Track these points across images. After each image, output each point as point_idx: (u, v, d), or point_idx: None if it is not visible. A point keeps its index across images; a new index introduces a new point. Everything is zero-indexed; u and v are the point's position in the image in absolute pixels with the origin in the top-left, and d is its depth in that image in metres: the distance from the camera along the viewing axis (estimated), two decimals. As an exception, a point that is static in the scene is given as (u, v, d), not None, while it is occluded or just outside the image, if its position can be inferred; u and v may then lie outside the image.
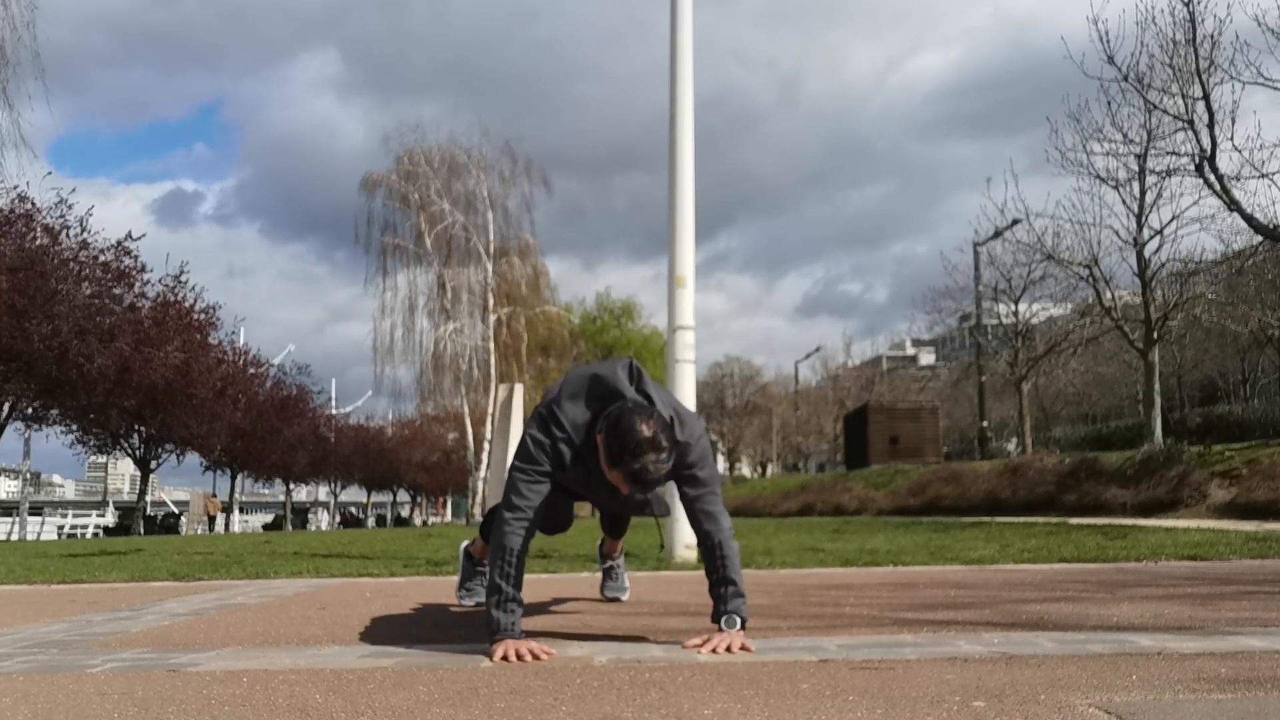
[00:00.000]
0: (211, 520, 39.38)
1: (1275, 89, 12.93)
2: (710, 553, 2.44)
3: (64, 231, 19.16)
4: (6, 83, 12.75)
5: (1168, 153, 14.79)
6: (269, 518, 55.10)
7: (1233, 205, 13.63)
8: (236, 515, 41.16)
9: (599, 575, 3.77)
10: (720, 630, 2.36)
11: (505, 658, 2.24)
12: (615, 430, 2.25)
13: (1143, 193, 15.67)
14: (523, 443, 2.44)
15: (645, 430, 2.22)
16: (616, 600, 3.60)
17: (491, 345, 32.00)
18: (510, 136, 33.10)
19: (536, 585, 4.26)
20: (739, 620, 2.37)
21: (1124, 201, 15.90)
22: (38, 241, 18.35)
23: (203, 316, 24.85)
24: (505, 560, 2.36)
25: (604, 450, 2.28)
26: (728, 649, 2.29)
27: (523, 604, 2.40)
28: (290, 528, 42.15)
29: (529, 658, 2.25)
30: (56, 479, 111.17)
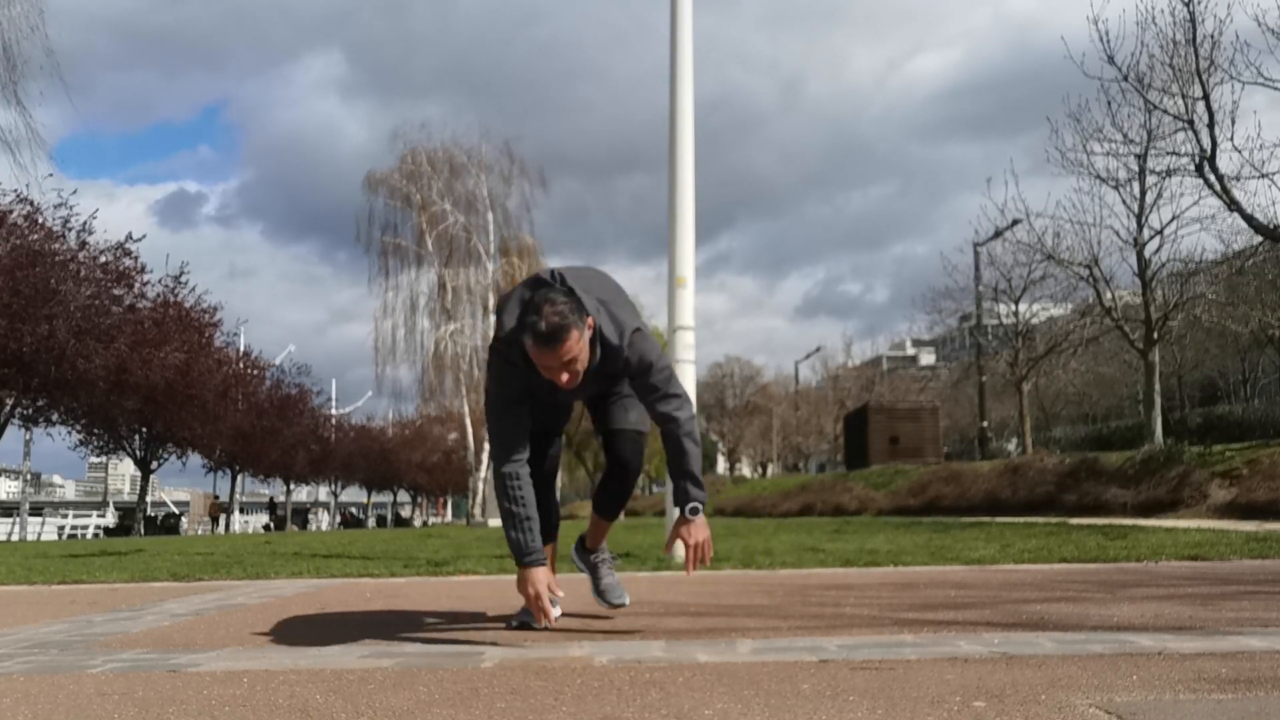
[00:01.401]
0: (215, 520, 39.40)
1: (1275, 89, 12.93)
2: (667, 444, 2.63)
3: (65, 232, 19.15)
4: (16, 83, 12.79)
5: (1168, 153, 14.78)
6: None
7: (1233, 205, 13.63)
8: (237, 515, 41.15)
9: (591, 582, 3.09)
10: (686, 519, 2.61)
11: (530, 604, 2.58)
12: (519, 311, 2.44)
13: (1143, 193, 15.66)
14: (486, 377, 2.65)
15: (527, 291, 2.45)
16: (622, 605, 2.99)
17: (492, 346, 31.93)
18: (510, 137, 33.13)
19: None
20: (700, 507, 2.62)
21: (1124, 201, 15.91)
22: (36, 243, 18.32)
23: (206, 318, 24.86)
24: (510, 486, 2.59)
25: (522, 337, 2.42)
26: (700, 551, 2.58)
27: (537, 521, 2.61)
28: (276, 526, 42.12)
29: (545, 599, 2.55)
30: (57, 479, 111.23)
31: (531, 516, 2.58)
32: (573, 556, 3.07)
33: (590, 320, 2.46)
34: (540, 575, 2.56)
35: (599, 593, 3.03)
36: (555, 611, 2.80)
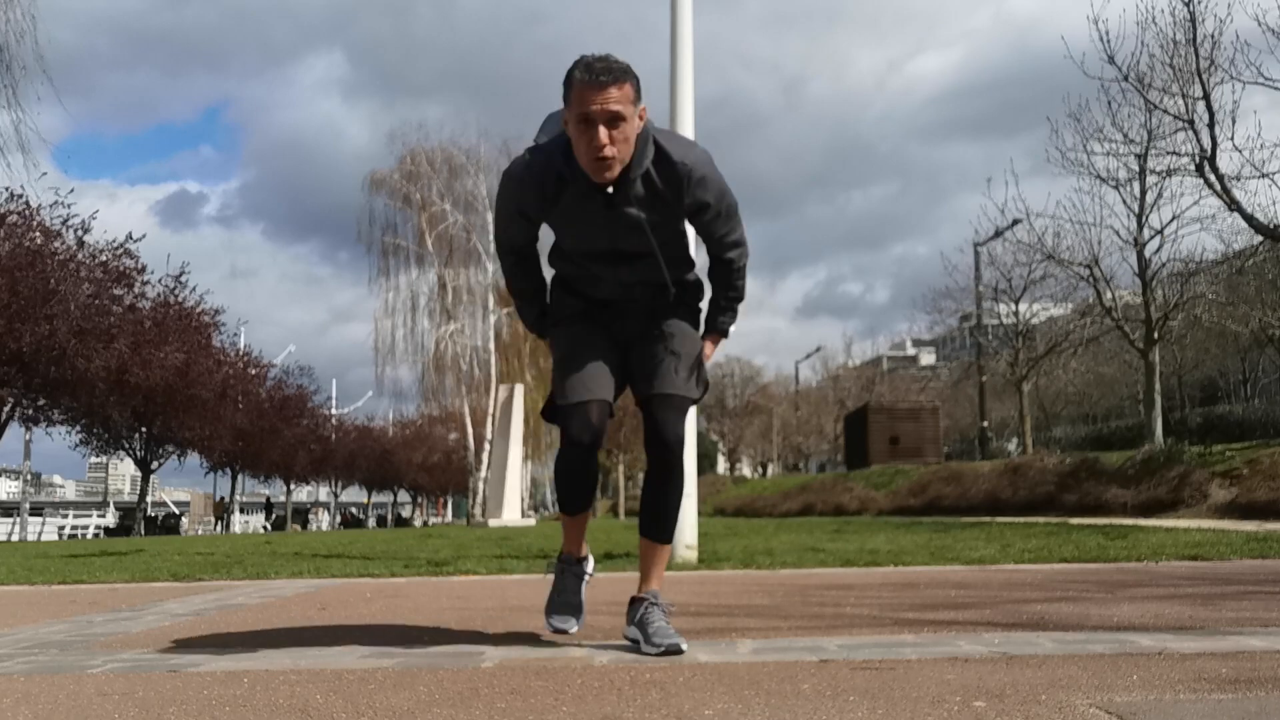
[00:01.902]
0: (219, 518, 39.41)
1: (1275, 89, 12.94)
2: (713, 274, 2.57)
3: (63, 232, 19.14)
4: (16, 87, 12.86)
5: (1168, 153, 14.81)
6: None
7: (1233, 205, 13.64)
8: (237, 515, 41.15)
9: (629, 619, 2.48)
10: (715, 336, 2.62)
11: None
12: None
13: (1143, 193, 15.69)
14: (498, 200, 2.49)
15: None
16: (675, 650, 2.31)
17: (492, 346, 32.04)
18: (508, 136, 33.22)
19: (539, 585, 4.26)
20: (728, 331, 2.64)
21: (1124, 201, 15.94)
22: (37, 242, 18.32)
23: (207, 318, 24.87)
24: (513, 271, 2.58)
25: (564, 109, 2.21)
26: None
27: (543, 294, 2.61)
28: (274, 527, 42.06)
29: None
30: (57, 479, 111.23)
31: (540, 292, 2.60)
32: (625, 633, 2.47)
33: (643, 109, 2.21)
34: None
35: (645, 636, 2.36)
36: (574, 625, 2.58)
